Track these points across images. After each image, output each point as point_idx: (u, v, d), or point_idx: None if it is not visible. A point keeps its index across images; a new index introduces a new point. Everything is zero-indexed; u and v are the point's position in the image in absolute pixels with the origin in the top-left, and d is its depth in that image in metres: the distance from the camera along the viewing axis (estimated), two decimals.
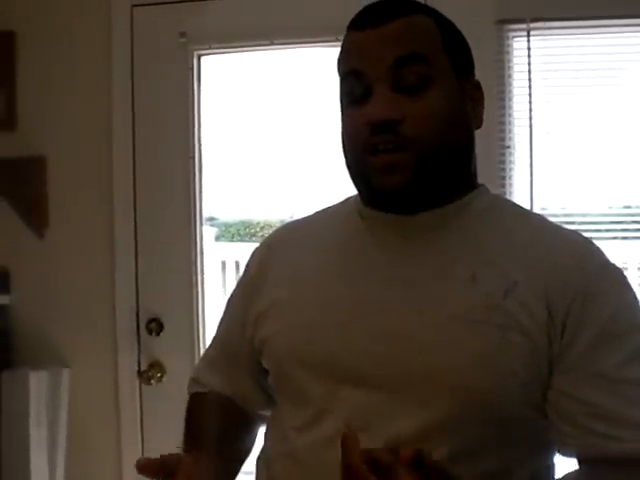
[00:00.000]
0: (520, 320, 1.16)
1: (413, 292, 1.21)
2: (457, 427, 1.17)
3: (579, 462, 1.19)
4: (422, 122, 1.20)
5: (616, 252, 2.79)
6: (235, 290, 1.49)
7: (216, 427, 1.39)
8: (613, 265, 1.25)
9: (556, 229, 1.31)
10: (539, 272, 1.19)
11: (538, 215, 1.44)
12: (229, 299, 1.50)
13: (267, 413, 1.43)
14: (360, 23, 1.25)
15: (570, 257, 1.21)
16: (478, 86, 1.31)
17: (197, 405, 1.48)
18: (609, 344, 1.15)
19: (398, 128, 1.20)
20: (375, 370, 1.20)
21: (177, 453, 1.30)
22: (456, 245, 1.24)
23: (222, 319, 1.51)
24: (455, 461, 1.15)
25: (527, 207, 2.51)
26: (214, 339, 1.53)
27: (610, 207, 2.76)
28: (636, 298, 1.24)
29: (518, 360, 1.15)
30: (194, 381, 1.52)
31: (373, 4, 1.28)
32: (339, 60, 1.30)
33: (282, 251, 1.41)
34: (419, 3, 1.30)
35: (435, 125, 1.21)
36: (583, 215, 2.72)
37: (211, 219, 3.39)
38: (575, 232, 1.32)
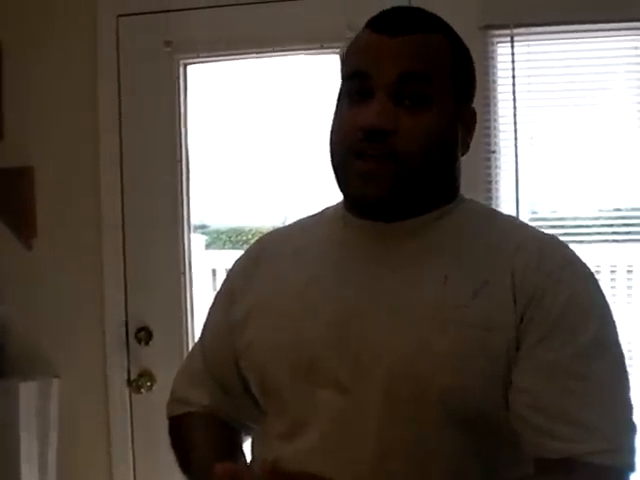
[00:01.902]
0: (490, 318, 1.17)
1: (389, 296, 1.23)
2: (431, 427, 1.17)
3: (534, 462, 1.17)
4: (413, 138, 1.22)
5: (606, 255, 2.82)
6: (216, 302, 1.48)
7: (217, 449, 1.36)
8: (578, 262, 1.26)
9: (525, 229, 1.34)
10: (507, 271, 1.20)
11: (509, 216, 1.46)
12: (210, 310, 1.50)
13: (253, 425, 1.42)
14: (380, 26, 1.26)
15: (533, 255, 1.22)
16: (473, 114, 1.33)
17: (191, 430, 1.42)
18: (562, 337, 1.16)
19: (388, 139, 1.21)
20: (347, 374, 1.21)
21: None
22: (431, 250, 1.26)
23: (204, 332, 1.50)
24: (432, 461, 1.17)
25: (512, 211, 2.56)
26: (196, 352, 1.50)
27: (600, 210, 2.76)
28: (599, 295, 1.24)
29: (488, 358, 1.16)
30: (176, 402, 1.48)
31: (398, 9, 1.29)
32: (347, 54, 1.31)
33: (262, 259, 1.42)
34: (442, 22, 1.31)
35: (424, 144, 1.23)
36: (573, 219, 2.72)
37: (202, 227, 3.39)
38: (547, 233, 1.33)
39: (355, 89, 1.26)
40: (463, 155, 1.33)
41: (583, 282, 1.23)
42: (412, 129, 1.22)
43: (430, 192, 1.28)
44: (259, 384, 1.34)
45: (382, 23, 1.27)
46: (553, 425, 1.12)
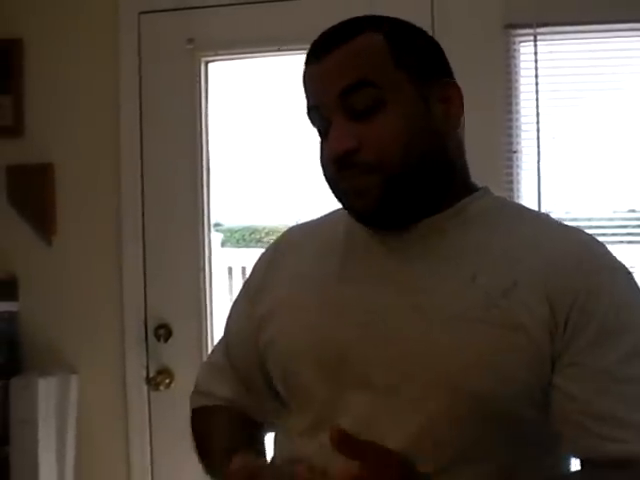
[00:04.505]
0: (520, 319, 1.16)
1: (413, 294, 1.22)
2: (461, 428, 1.17)
3: (580, 461, 1.19)
4: (378, 146, 1.20)
5: (622, 256, 2.80)
6: (240, 295, 1.49)
7: (236, 441, 1.36)
8: (616, 262, 1.24)
9: (559, 228, 1.30)
10: (539, 272, 1.18)
11: (543, 214, 1.43)
12: (234, 305, 1.50)
13: (276, 420, 1.42)
14: (308, 57, 1.25)
15: (571, 256, 1.20)
16: (452, 86, 1.27)
17: (212, 419, 1.44)
18: (608, 341, 1.15)
19: (357, 156, 1.20)
20: (377, 373, 1.20)
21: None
22: (455, 247, 1.24)
23: (228, 325, 1.50)
24: (461, 461, 1.17)
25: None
26: (220, 347, 1.51)
27: (615, 211, 2.76)
28: (637, 294, 1.23)
29: (518, 360, 1.15)
30: (199, 394, 1.49)
31: (321, 35, 1.26)
32: None
33: (287, 254, 1.42)
34: (368, 19, 1.26)
35: (392, 146, 1.20)
36: (588, 219, 2.73)
37: (216, 225, 3.39)
38: (580, 231, 1.31)
39: (319, 124, 1.26)
40: (455, 129, 1.27)
41: (622, 283, 1.22)
42: (374, 137, 1.20)
43: (428, 185, 1.24)
44: (282, 380, 1.34)
45: (310, 53, 1.25)
46: (606, 429, 1.13)
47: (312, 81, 1.24)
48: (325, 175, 1.27)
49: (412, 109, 1.22)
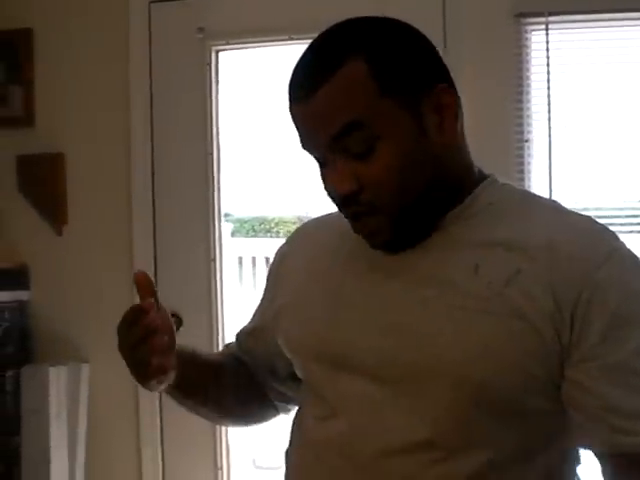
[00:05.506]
0: (523, 309, 1.15)
1: (418, 288, 1.21)
2: (466, 418, 1.17)
3: (596, 456, 1.17)
4: (379, 186, 1.18)
5: (632, 246, 2.80)
6: (264, 288, 1.52)
7: (224, 368, 1.49)
8: (623, 250, 1.21)
9: (566, 217, 1.27)
10: (543, 262, 1.17)
11: (550, 201, 1.38)
12: (260, 300, 1.53)
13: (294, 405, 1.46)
14: (291, 94, 1.21)
15: (576, 245, 1.18)
16: (445, 91, 1.20)
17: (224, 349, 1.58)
18: (622, 334, 1.13)
19: (360, 197, 1.19)
20: (382, 364, 1.21)
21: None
22: (459, 241, 1.23)
23: (254, 315, 1.54)
24: (466, 452, 1.16)
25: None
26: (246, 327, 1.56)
27: (625, 201, 2.77)
28: None
29: (521, 350, 1.15)
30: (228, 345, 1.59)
31: (302, 66, 1.21)
32: None
33: (299, 249, 1.44)
34: (347, 40, 1.19)
35: (393, 183, 1.18)
36: (599, 209, 2.73)
37: (227, 215, 3.41)
38: (586, 218, 1.27)
39: (313, 155, 1.23)
40: (455, 132, 1.22)
41: (632, 272, 1.20)
42: (374, 178, 1.18)
43: (434, 205, 1.23)
44: (298, 372, 1.37)
45: (291, 90, 1.21)
46: (630, 423, 1.12)
47: (301, 123, 1.20)
48: (332, 202, 1.26)
49: (406, 137, 1.19)
